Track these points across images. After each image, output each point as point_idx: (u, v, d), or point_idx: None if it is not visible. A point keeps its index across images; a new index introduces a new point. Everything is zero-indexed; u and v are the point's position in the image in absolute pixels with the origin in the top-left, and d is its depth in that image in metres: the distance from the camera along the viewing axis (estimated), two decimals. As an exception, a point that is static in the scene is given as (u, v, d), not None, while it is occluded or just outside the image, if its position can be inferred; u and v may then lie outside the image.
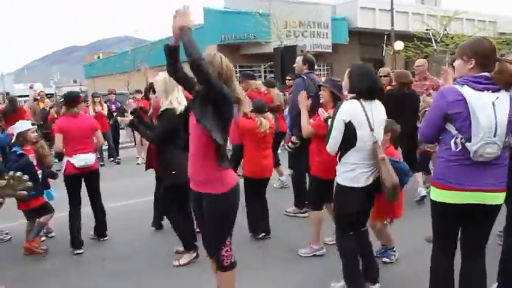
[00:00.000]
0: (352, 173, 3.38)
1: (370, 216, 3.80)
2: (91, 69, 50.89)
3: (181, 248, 4.71)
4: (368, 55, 29.00)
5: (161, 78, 4.38)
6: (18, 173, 2.48)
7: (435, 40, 26.15)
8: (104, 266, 4.67)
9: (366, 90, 3.38)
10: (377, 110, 3.43)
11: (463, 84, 2.72)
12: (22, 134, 5.02)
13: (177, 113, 4.27)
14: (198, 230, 5.00)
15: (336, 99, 4.14)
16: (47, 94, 12.84)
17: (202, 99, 2.94)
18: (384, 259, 4.30)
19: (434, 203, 2.93)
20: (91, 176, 5.14)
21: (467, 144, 2.69)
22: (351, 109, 3.34)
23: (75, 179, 5.02)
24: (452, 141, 2.77)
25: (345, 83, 3.54)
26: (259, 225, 5.15)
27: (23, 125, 5.20)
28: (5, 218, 5.57)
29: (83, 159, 4.98)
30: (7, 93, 23.58)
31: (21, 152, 4.92)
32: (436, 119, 2.84)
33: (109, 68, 39.61)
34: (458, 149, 2.75)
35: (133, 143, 12.88)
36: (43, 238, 5.39)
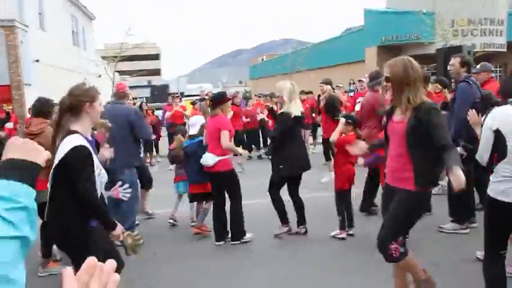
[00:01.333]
0: (499, 185, 3.09)
1: None
2: (254, 70, 54.15)
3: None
4: (553, 55, 25.38)
5: (287, 86, 5.32)
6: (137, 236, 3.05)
7: None
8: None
9: None
10: None
11: None
12: (203, 126, 5.78)
13: (292, 116, 5.20)
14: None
15: None
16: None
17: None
18: None
19: None
20: (213, 177, 5.31)
21: None
22: (500, 115, 3.07)
23: (209, 176, 5.38)
24: None
25: None
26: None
27: (201, 119, 6.07)
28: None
29: (203, 157, 5.28)
30: (181, 93, 26.44)
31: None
32: None
33: (270, 70, 41.64)
34: None
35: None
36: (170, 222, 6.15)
